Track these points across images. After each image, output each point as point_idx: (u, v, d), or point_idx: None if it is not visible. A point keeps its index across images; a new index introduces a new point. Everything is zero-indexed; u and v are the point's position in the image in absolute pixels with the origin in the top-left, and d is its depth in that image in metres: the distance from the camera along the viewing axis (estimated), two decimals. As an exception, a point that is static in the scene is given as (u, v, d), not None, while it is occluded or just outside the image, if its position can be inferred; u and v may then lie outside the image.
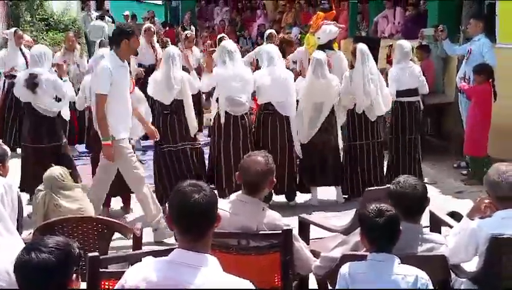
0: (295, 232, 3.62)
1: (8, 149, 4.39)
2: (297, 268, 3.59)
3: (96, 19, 18.92)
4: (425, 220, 3.75)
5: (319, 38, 8.33)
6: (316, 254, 3.66)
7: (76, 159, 8.63)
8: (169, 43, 13.00)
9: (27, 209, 5.29)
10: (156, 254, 2.90)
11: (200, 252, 2.39)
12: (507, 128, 7.91)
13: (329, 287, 3.51)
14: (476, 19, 8.15)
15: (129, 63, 6.34)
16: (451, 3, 10.18)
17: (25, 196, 6.20)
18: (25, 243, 2.75)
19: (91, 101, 6.54)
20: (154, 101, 6.98)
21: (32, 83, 6.60)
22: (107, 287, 3.01)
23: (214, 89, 6.98)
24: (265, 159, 3.54)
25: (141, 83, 8.18)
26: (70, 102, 7.45)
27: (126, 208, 6.75)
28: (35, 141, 6.70)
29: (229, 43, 6.87)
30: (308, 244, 4.17)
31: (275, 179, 3.60)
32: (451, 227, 4.04)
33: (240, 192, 3.60)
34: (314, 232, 4.80)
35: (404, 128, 7.45)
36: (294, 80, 7.04)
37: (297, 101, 6.95)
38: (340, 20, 12.45)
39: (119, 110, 5.67)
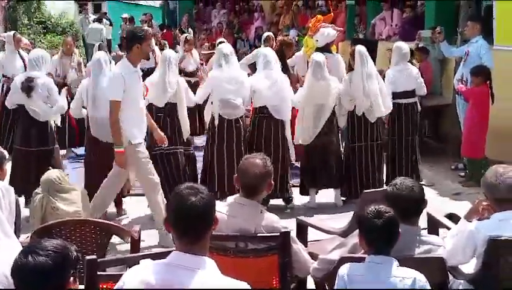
0: (293, 234, 3.61)
1: (5, 152, 4.39)
2: (295, 270, 3.59)
3: (94, 21, 18.91)
4: (423, 222, 3.75)
5: (317, 41, 8.36)
6: (314, 256, 3.66)
7: (74, 162, 8.66)
8: (167, 45, 13.01)
9: (24, 213, 5.28)
10: (153, 256, 2.90)
11: (197, 254, 2.39)
12: (505, 130, 7.92)
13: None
14: (474, 20, 8.16)
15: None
16: (449, 5, 10.21)
17: (22, 199, 6.19)
18: (23, 247, 2.75)
19: (88, 105, 6.56)
20: (149, 103, 6.96)
21: (28, 86, 6.60)
22: (105, 290, 3.02)
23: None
24: (263, 161, 3.54)
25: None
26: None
27: (118, 210, 6.75)
28: (24, 144, 6.71)
29: (225, 47, 6.86)
30: (306, 246, 4.16)
31: (273, 182, 3.61)
32: (449, 229, 4.04)
33: (237, 194, 3.60)
34: (312, 234, 4.80)
35: (401, 130, 7.48)
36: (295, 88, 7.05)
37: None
38: (338, 22, 12.47)
39: (133, 115, 5.65)
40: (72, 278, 2.44)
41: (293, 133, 7.11)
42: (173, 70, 6.57)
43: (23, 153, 6.71)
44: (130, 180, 6.77)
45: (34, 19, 21.59)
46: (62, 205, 4.74)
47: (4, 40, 9.74)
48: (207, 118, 6.94)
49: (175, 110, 6.58)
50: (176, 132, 6.60)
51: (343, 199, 7.15)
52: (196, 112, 8.67)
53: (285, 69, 8.36)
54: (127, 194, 6.83)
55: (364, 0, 14.14)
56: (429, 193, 6.84)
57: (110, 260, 3.69)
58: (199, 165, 7.17)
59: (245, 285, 2.37)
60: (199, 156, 7.53)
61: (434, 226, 4.49)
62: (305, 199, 7.14)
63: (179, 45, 11.71)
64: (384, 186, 4.61)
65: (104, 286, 3.02)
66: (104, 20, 19.19)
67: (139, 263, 2.53)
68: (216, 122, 6.67)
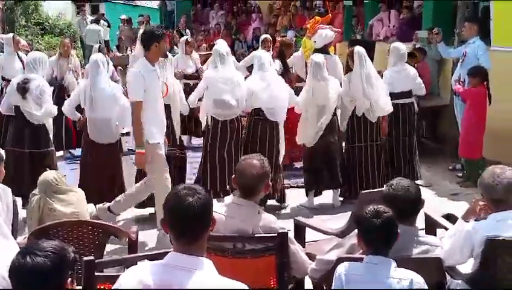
0: (291, 235, 3.61)
1: (3, 153, 4.38)
2: (293, 271, 3.59)
3: (92, 22, 18.91)
4: (420, 222, 3.75)
5: (315, 42, 8.37)
6: (311, 256, 3.66)
7: (72, 163, 8.65)
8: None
9: (20, 214, 5.27)
10: (151, 257, 2.90)
11: (194, 255, 2.39)
12: (502, 130, 7.93)
13: (325, 290, 3.51)
14: (471, 21, 8.17)
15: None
16: (446, 6, 10.23)
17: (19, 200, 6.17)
18: (20, 248, 2.75)
19: (86, 106, 6.55)
20: None
21: (23, 87, 6.57)
22: (102, 291, 3.02)
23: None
24: (260, 162, 3.54)
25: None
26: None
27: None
28: (16, 144, 6.68)
29: (221, 47, 6.78)
30: (303, 247, 4.16)
31: (270, 183, 3.61)
32: (446, 229, 4.04)
33: (235, 195, 3.60)
34: (309, 235, 4.80)
35: (399, 130, 7.48)
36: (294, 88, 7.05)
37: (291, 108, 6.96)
38: (335, 23, 12.48)
39: (152, 115, 5.63)
40: (69, 280, 2.44)
41: (294, 134, 7.13)
42: (167, 71, 6.55)
43: (13, 154, 6.66)
44: (124, 184, 6.77)
45: (32, 20, 21.60)
46: (59, 206, 4.74)
47: (2, 41, 9.73)
48: (203, 120, 6.92)
49: (169, 111, 6.55)
50: (170, 134, 6.57)
51: (341, 199, 7.15)
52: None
53: (285, 68, 8.42)
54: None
55: (362, 1, 14.15)
56: (427, 194, 6.85)
57: (108, 260, 3.69)
58: (195, 165, 7.15)
59: (243, 286, 2.37)
60: (196, 157, 7.54)
61: (431, 226, 4.49)
62: (303, 200, 7.14)
63: (177, 46, 11.72)
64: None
65: (102, 287, 3.01)
66: (102, 21, 19.19)
67: (136, 264, 2.53)
68: (210, 124, 6.67)
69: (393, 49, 7.64)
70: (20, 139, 6.67)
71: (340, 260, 3.20)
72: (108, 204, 6.10)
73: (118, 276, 2.52)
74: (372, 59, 7.64)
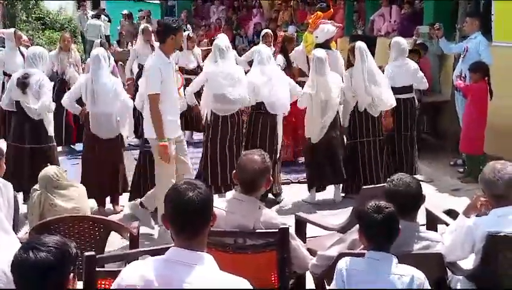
0: (292, 230, 3.61)
1: (3, 148, 4.39)
2: (294, 266, 3.59)
3: (92, 17, 18.88)
4: (421, 218, 3.75)
5: (316, 37, 8.36)
6: (312, 252, 3.66)
7: (73, 158, 8.66)
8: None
9: (21, 209, 5.28)
10: (152, 252, 2.91)
11: (195, 250, 2.39)
12: (503, 126, 7.92)
13: (327, 286, 3.51)
14: (472, 17, 8.15)
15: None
16: (448, 1, 10.20)
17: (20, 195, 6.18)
18: (21, 243, 2.75)
19: (87, 100, 6.54)
20: None
21: (23, 82, 6.56)
22: (103, 286, 3.02)
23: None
24: (261, 157, 3.54)
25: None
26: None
27: (114, 207, 6.76)
28: (17, 139, 6.67)
29: (221, 41, 6.74)
30: (304, 242, 4.17)
31: (271, 178, 3.61)
32: (447, 225, 4.04)
33: (236, 190, 3.60)
34: (310, 230, 4.80)
35: (400, 125, 7.47)
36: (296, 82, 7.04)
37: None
38: (337, 18, 12.44)
39: (169, 106, 5.59)
40: (71, 275, 2.44)
41: (298, 130, 7.12)
42: None
43: (14, 149, 6.66)
44: (126, 179, 6.77)
45: (33, 15, 21.59)
46: (60, 202, 4.74)
47: (3, 36, 9.72)
48: (203, 115, 6.91)
49: None
50: None
51: (343, 195, 7.15)
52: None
53: (287, 63, 8.42)
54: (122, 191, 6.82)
55: (363, -4, 14.15)
56: (428, 189, 6.86)
57: (109, 256, 3.70)
58: (196, 161, 7.16)
59: (243, 280, 2.37)
60: (197, 152, 7.54)
61: (433, 222, 4.49)
62: (304, 195, 7.14)
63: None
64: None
65: (103, 282, 3.01)
66: (103, 16, 19.16)
67: (137, 259, 2.53)
68: (209, 118, 6.66)
69: (393, 43, 7.64)
70: (21, 134, 6.66)
71: (341, 256, 3.20)
72: (139, 200, 6.13)
73: (119, 271, 2.53)
74: (373, 54, 7.63)
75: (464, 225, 3.46)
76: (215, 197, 5.92)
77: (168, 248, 2.45)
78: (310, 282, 3.83)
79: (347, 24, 13.82)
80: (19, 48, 9.15)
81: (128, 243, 4.36)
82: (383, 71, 7.38)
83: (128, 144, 7.99)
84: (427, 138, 9.49)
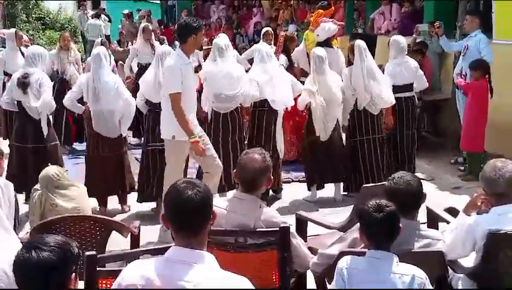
0: (292, 229, 3.61)
1: (3, 149, 4.39)
2: (295, 265, 3.59)
3: (92, 17, 18.90)
4: (422, 216, 3.75)
5: (318, 35, 8.37)
6: (313, 250, 3.66)
7: (74, 158, 8.66)
8: (166, 41, 13.01)
9: (23, 209, 5.29)
10: (153, 252, 2.91)
11: (196, 249, 2.39)
12: (504, 123, 7.92)
13: (327, 285, 3.51)
14: (472, 15, 8.16)
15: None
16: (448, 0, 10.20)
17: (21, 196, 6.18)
18: (22, 243, 2.74)
19: (89, 99, 6.53)
20: (146, 99, 6.93)
21: (23, 82, 6.57)
22: (104, 285, 3.01)
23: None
24: (262, 156, 3.54)
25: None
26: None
27: (122, 206, 6.75)
28: (20, 140, 6.68)
29: (221, 40, 6.74)
30: (305, 241, 4.17)
31: (272, 177, 3.61)
32: (448, 223, 4.04)
33: (237, 189, 3.60)
34: (311, 229, 4.80)
35: (401, 124, 7.47)
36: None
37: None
38: (337, 17, 12.43)
39: (186, 107, 5.57)
40: (73, 275, 2.44)
41: (301, 128, 7.11)
42: None
43: (17, 149, 6.67)
44: (132, 176, 6.77)
45: (33, 15, 21.59)
46: (61, 202, 4.74)
47: (4, 36, 9.75)
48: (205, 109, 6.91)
49: None
50: None
51: (343, 193, 7.15)
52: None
53: (289, 62, 8.42)
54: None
55: (363, -5, 14.13)
56: (429, 187, 6.85)
57: (110, 255, 3.69)
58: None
59: (243, 279, 2.37)
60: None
61: (433, 220, 4.49)
62: (305, 194, 7.14)
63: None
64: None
65: (104, 282, 3.01)
66: (103, 16, 19.17)
67: (138, 259, 2.53)
68: (209, 117, 6.66)
69: (393, 42, 7.64)
70: (24, 134, 6.67)
71: (342, 254, 3.20)
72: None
73: (120, 271, 2.53)
74: (373, 53, 7.64)
75: (465, 223, 3.46)
76: (217, 196, 5.92)
77: (169, 247, 2.45)
78: (311, 281, 3.83)
79: (347, 22, 13.80)
80: (20, 48, 9.17)
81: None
82: (383, 70, 7.38)
83: (130, 144, 8.00)
84: (427, 136, 9.48)
